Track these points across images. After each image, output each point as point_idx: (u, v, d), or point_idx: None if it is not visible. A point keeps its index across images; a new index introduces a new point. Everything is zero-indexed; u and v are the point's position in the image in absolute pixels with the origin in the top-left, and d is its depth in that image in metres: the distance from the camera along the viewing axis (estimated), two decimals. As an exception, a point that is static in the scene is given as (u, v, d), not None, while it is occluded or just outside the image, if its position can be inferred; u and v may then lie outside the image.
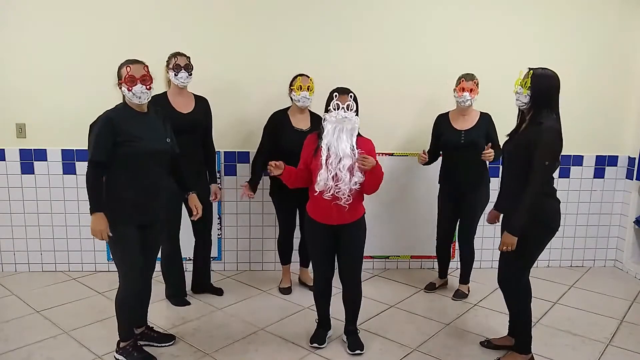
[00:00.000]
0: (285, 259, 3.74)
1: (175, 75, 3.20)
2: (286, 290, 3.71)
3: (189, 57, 3.26)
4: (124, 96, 2.59)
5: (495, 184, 4.05)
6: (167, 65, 3.24)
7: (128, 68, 2.51)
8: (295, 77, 3.41)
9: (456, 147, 3.49)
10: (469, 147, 3.42)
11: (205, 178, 3.48)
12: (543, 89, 2.50)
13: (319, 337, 2.96)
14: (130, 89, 2.51)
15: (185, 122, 3.24)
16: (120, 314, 2.71)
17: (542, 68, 2.56)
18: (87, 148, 2.53)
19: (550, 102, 2.51)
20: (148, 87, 2.55)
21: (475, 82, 3.43)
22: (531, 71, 2.53)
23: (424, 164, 3.65)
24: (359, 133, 2.71)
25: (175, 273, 3.48)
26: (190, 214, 2.98)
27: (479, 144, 3.40)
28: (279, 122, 3.45)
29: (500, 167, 2.89)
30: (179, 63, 3.20)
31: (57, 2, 3.71)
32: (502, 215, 2.84)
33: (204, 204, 3.40)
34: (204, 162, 3.46)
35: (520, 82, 2.55)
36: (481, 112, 3.54)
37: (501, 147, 2.80)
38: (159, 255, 2.96)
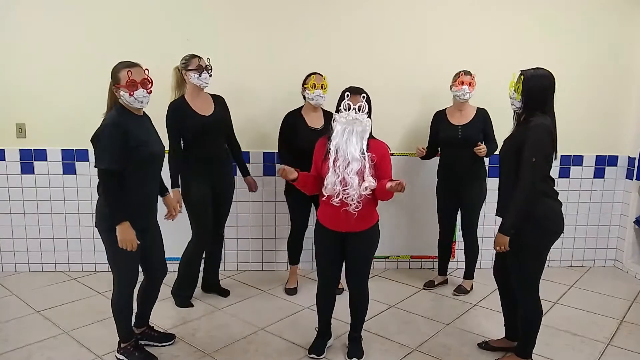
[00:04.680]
0: (294, 260, 3.73)
1: (199, 76, 3.18)
2: (292, 291, 3.71)
3: (208, 58, 3.26)
4: (117, 99, 2.51)
5: (493, 184, 4.08)
6: (186, 68, 3.19)
7: (129, 72, 2.42)
8: (309, 75, 3.40)
9: (453, 142, 3.53)
10: (466, 142, 3.46)
11: (231, 175, 3.51)
12: (535, 92, 2.47)
13: (318, 347, 2.87)
14: (131, 93, 2.43)
15: (210, 123, 3.26)
16: (118, 316, 2.69)
17: (535, 69, 2.53)
18: (98, 158, 2.42)
19: (543, 103, 2.49)
20: (149, 91, 2.50)
21: (473, 77, 3.50)
22: (522, 76, 2.50)
23: (422, 158, 3.73)
24: (372, 135, 2.61)
25: (191, 274, 3.47)
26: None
27: (476, 138, 3.46)
28: (293, 122, 3.44)
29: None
30: (201, 64, 3.19)
31: (57, 2, 3.71)
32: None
33: (226, 200, 3.51)
34: (233, 158, 3.52)
35: (513, 86, 2.54)
36: (478, 107, 3.58)
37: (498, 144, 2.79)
38: (166, 253, 2.93)
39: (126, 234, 2.44)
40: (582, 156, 4.28)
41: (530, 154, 2.42)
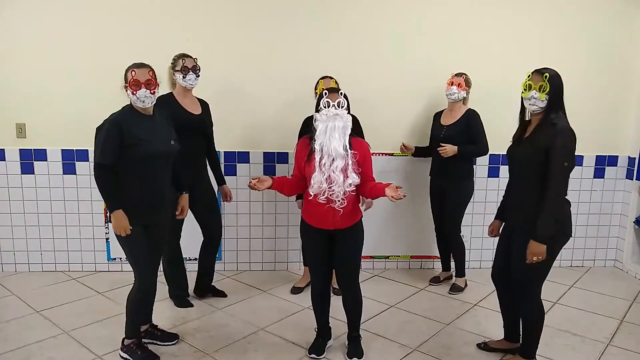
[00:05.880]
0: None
1: (183, 77, 3.18)
2: (297, 290, 3.71)
3: (195, 59, 3.25)
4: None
5: (494, 184, 4.08)
6: (174, 67, 3.21)
7: (133, 72, 2.53)
8: (318, 80, 3.42)
9: (437, 142, 3.61)
10: (448, 142, 3.53)
11: (208, 179, 3.46)
12: (558, 90, 2.45)
13: (318, 347, 2.87)
14: (134, 93, 2.53)
15: (197, 123, 3.26)
16: (132, 311, 2.73)
17: (550, 69, 2.50)
18: (93, 151, 2.54)
19: (560, 102, 2.48)
20: (152, 91, 2.57)
21: (463, 79, 3.56)
22: (547, 74, 2.44)
23: (414, 155, 3.86)
24: (353, 134, 2.63)
25: (177, 274, 3.48)
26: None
27: (457, 139, 3.53)
28: (308, 125, 3.43)
29: (500, 168, 2.87)
30: (187, 65, 3.18)
31: (57, 2, 3.71)
32: (506, 223, 2.78)
33: (209, 205, 3.46)
34: (211, 165, 3.48)
35: (534, 86, 2.46)
36: (468, 109, 3.62)
37: (507, 150, 2.73)
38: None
39: (119, 221, 2.53)
40: (582, 156, 4.27)
41: (561, 159, 2.39)
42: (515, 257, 2.62)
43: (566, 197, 2.56)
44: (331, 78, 3.41)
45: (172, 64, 3.23)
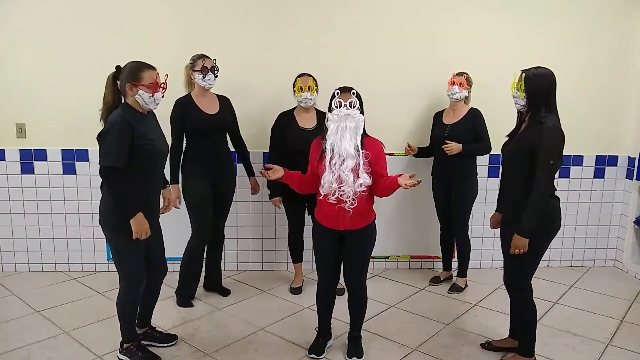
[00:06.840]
0: (296, 257, 3.74)
1: (203, 77, 3.21)
2: (297, 290, 3.71)
3: (214, 59, 3.28)
4: (122, 97, 2.55)
5: (493, 184, 4.08)
6: (192, 67, 3.23)
7: (154, 74, 2.51)
8: (296, 78, 3.41)
9: (441, 141, 3.62)
10: (453, 141, 3.55)
11: (233, 175, 3.55)
12: (538, 89, 2.49)
13: (318, 347, 2.87)
14: (152, 95, 2.51)
15: (213, 123, 3.31)
16: (123, 315, 2.70)
17: (535, 67, 2.54)
18: (102, 155, 2.43)
19: (548, 101, 2.50)
20: (163, 94, 2.59)
21: (464, 78, 3.58)
22: (524, 74, 2.53)
23: (415, 156, 3.85)
24: (366, 133, 2.63)
25: (191, 274, 3.47)
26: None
27: (462, 137, 3.55)
28: (285, 123, 3.46)
29: (500, 167, 2.88)
30: (207, 65, 3.22)
31: (58, 3, 3.71)
32: (502, 217, 2.81)
33: (227, 200, 3.55)
34: (239, 158, 3.62)
35: (515, 85, 2.56)
36: (471, 108, 3.65)
37: (501, 146, 2.78)
38: (167, 253, 2.93)
39: (141, 225, 2.48)
40: (582, 156, 4.27)
41: (547, 157, 2.42)
42: (504, 251, 2.68)
43: (555, 193, 2.60)
44: (309, 75, 3.40)
45: (190, 64, 3.26)
